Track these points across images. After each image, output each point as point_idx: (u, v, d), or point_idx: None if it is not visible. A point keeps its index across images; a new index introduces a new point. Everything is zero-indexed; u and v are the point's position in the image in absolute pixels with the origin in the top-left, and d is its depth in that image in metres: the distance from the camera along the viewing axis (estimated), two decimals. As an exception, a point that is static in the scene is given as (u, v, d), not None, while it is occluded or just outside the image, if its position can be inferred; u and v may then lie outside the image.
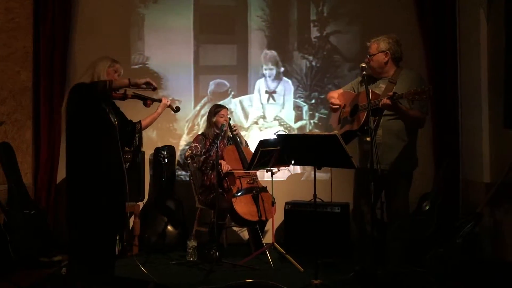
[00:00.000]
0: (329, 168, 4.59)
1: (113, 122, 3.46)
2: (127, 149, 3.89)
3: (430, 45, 5.05)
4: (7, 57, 4.86)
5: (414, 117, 3.44)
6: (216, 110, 4.68)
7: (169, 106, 3.76)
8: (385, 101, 3.26)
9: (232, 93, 5.33)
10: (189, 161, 4.57)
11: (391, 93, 3.26)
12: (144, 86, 3.46)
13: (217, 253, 4.15)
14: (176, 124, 5.25)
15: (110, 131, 3.44)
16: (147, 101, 3.64)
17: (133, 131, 3.67)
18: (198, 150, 4.58)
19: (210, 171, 4.55)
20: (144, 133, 4.58)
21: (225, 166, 4.46)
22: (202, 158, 4.49)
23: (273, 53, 5.31)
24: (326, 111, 5.21)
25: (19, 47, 4.90)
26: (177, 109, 3.83)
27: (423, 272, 3.89)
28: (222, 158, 4.53)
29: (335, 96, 3.76)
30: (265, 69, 5.31)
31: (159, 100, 3.71)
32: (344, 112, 3.67)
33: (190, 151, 4.58)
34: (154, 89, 3.52)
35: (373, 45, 3.56)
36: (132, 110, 3.84)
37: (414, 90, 3.13)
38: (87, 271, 3.33)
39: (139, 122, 3.71)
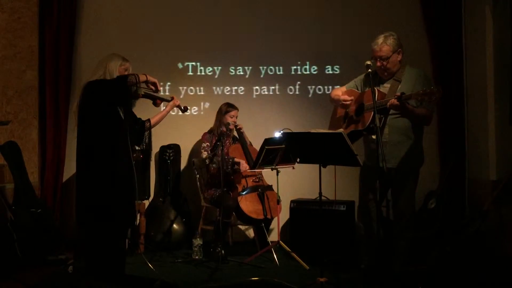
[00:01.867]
0: (333, 167, 4.58)
1: (124, 120, 3.48)
2: (137, 148, 3.91)
3: (435, 42, 5.03)
4: (13, 56, 4.88)
5: (421, 116, 3.42)
6: (227, 109, 4.67)
7: (178, 106, 3.79)
8: (393, 101, 3.24)
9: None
10: (208, 163, 4.55)
11: (398, 94, 3.24)
12: (150, 85, 3.55)
13: (223, 251, 4.16)
14: (182, 122, 5.25)
15: (121, 130, 3.46)
16: (156, 101, 3.67)
17: (142, 129, 3.69)
18: (209, 148, 4.58)
19: (230, 171, 4.54)
20: (150, 131, 4.62)
21: (244, 166, 4.47)
22: (220, 159, 4.48)
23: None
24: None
25: (24, 46, 4.93)
26: (185, 109, 3.88)
27: (429, 270, 3.89)
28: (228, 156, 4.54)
29: (339, 94, 3.72)
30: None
31: (168, 100, 3.73)
32: (349, 111, 3.66)
33: (206, 152, 4.56)
34: (156, 91, 3.59)
35: (385, 47, 3.44)
36: (140, 108, 3.85)
37: (423, 90, 3.11)
38: (96, 268, 3.35)
39: (148, 120, 3.74)
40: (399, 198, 3.52)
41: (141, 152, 4.63)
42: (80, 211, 3.42)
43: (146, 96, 3.62)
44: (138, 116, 3.74)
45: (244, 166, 4.50)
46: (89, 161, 3.37)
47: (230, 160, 4.49)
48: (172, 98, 3.81)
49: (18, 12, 4.89)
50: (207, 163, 4.54)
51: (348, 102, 3.60)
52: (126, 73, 3.50)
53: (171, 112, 5.03)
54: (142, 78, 3.47)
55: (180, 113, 4.96)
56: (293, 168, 4.35)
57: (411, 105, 3.32)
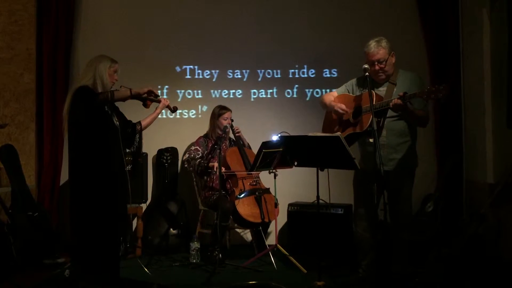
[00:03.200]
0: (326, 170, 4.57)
1: (115, 124, 3.48)
2: (128, 150, 3.89)
3: (433, 45, 5.04)
4: (11, 59, 4.88)
5: (420, 117, 3.46)
6: (220, 112, 4.67)
7: (167, 106, 3.79)
8: (397, 101, 3.25)
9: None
10: (185, 165, 4.57)
11: (401, 93, 3.25)
12: (145, 95, 3.57)
13: (220, 255, 4.15)
14: (180, 125, 5.24)
15: (112, 133, 3.45)
16: (146, 102, 3.66)
17: (134, 132, 3.69)
18: (199, 153, 4.58)
19: (205, 176, 4.55)
20: (146, 134, 4.61)
21: (216, 167, 4.46)
22: (197, 162, 4.49)
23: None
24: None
25: (22, 49, 4.92)
26: (175, 109, 3.88)
27: (427, 273, 3.88)
28: (225, 160, 4.53)
29: (332, 100, 3.73)
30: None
31: (158, 101, 3.73)
32: (345, 115, 3.66)
33: (188, 155, 4.58)
34: (156, 96, 3.62)
35: (381, 50, 3.47)
36: (130, 110, 3.85)
37: (428, 89, 3.14)
38: (90, 272, 3.34)
39: (139, 122, 3.73)
40: (397, 200, 3.52)
41: (131, 154, 4.61)
42: (74, 216, 3.41)
43: (135, 97, 3.61)
44: (128, 119, 3.73)
45: (216, 167, 4.47)
46: (82, 166, 3.36)
47: (204, 164, 4.48)
48: (161, 100, 3.80)
49: (15, 14, 4.89)
50: (185, 165, 4.56)
51: (342, 112, 3.61)
52: (115, 75, 3.49)
53: (168, 115, 5.11)
54: (124, 94, 3.44)
55: (177, 116, 5.00)
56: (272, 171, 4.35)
57: (411, 106, 3.34)
